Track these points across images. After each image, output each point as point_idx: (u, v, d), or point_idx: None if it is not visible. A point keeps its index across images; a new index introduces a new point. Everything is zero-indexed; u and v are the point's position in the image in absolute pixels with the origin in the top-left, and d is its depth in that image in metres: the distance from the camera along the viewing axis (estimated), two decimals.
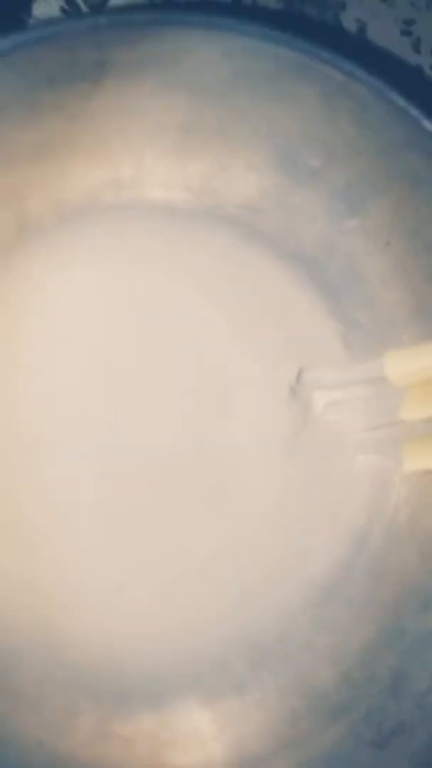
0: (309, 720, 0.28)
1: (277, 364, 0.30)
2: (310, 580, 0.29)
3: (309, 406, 0.30)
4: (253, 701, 0.28)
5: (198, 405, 0.30)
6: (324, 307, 0.30)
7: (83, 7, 0.30)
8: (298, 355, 0.30)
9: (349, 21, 0.31)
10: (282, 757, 0.27)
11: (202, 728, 0.28)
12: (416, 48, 0.31)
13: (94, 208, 0.29)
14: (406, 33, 0.31)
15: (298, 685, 0.29)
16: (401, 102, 0.25)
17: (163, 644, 0.29)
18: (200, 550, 0.29)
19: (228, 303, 0.30)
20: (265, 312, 0.30)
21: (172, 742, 0.27)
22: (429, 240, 0.29)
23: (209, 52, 0.27)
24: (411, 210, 0.29)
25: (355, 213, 0.30)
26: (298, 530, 0.30)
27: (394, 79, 0.27)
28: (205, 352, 0.30)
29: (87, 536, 0.29)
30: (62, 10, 0.30)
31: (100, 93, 0.28)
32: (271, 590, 0.29)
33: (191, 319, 0.30)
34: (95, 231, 0.30)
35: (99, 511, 0.29)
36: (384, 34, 0.31)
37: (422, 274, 0.30)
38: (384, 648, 0.29)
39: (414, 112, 0.25)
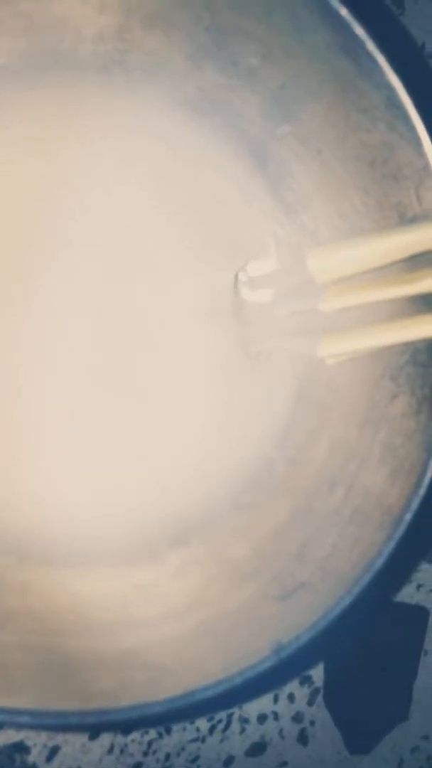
0: (221, 584, 0.30)
1: (213, 262, 0.31)
2: (234, 471, 0.31)
3: (242, 306, 0.31)
4: (172, 570, 0.30)
5: (131, 305, 0.31)
6: (258, 208, 0.32)
7: None
8: (232, 255, 0.31)
9: None
10: (195, 612, 0.29)
11: (123, 591, 0.29)
12: None
13: (32, 79, 0.29)
14: None
15: (213, 558, 0.30)
16: (333, 3, 0.26)
17: (91, 518, 0.30)
18: (136, 441, 0.31)
19: (167, 195, 0.31)
20: (201, 208, 0.31)
21: (93, 600, 0.29)
22: (357, 149, 0.30)
23: None
24: (341, 116, 0.30)
25: (288, 118, 0.31)
26: (227, 426, 0.31)
27: None
28: (138, 242, 0.31)
29: (29, 421, 0.30)
30: None
31: None
32: (198, 478, 0.31)
33: (126, 206, 0.30)
34: (29, 107, 0.30)
35: (43, 401, 0.30)
36: None
37: (350, 181, 0.31)
38: (294, 526, 0.30)
39: (344, 13, 0.26)
